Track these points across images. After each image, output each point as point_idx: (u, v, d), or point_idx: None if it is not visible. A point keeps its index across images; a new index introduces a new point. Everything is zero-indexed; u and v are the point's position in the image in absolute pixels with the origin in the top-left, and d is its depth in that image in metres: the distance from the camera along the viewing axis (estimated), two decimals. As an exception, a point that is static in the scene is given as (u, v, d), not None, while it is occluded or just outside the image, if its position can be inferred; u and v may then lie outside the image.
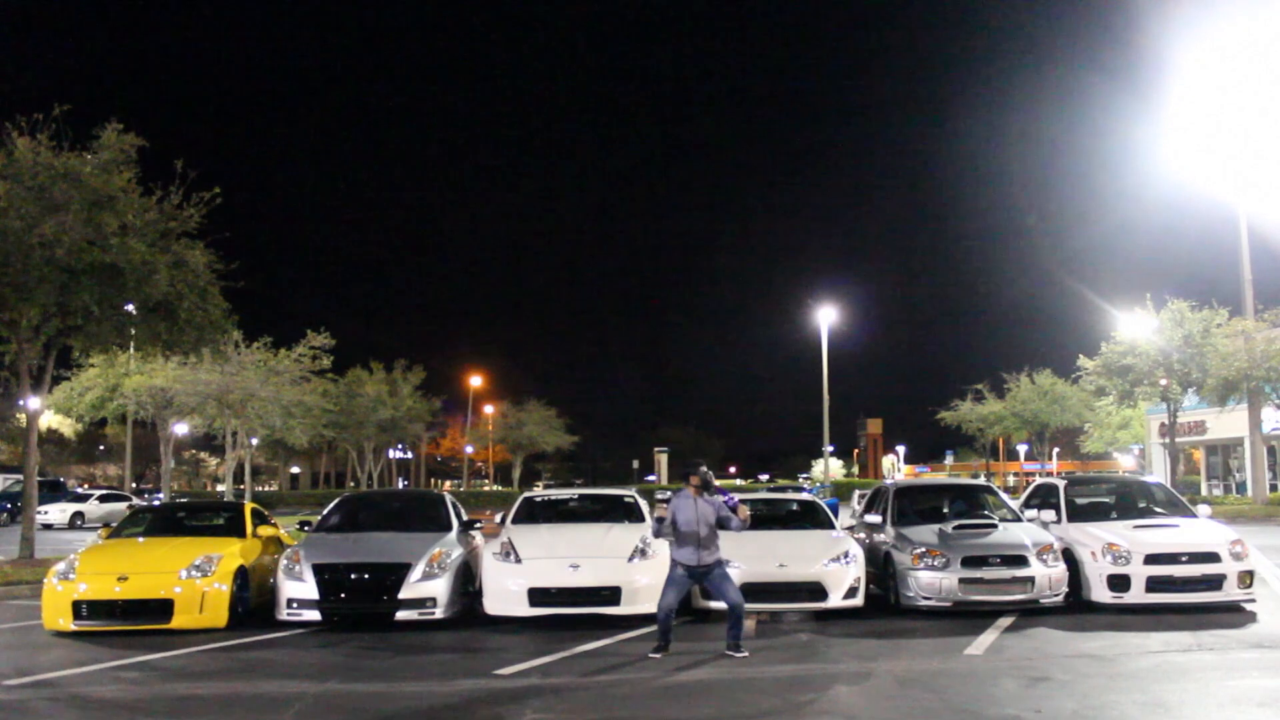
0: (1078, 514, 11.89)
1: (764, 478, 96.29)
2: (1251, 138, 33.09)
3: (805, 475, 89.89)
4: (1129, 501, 12.59)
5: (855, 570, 10.43)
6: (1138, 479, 16.24)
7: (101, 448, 77.16)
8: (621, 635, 9.33)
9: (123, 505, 34.79)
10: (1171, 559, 10.48)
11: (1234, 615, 10.14)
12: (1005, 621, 9.83)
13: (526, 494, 13.05)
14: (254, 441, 42.82)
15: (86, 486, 56.78)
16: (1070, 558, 10.82)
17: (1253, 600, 10.53)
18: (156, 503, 24.53)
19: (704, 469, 8.81)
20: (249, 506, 12.42)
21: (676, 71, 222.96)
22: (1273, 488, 37.53)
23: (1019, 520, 11.66)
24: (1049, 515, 11.73)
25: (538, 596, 9.85)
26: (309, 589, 9.95)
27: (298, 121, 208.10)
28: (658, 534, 8.98)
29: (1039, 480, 14.19)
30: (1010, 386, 51.36)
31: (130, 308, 16.66)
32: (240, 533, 11.45)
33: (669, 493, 9.08)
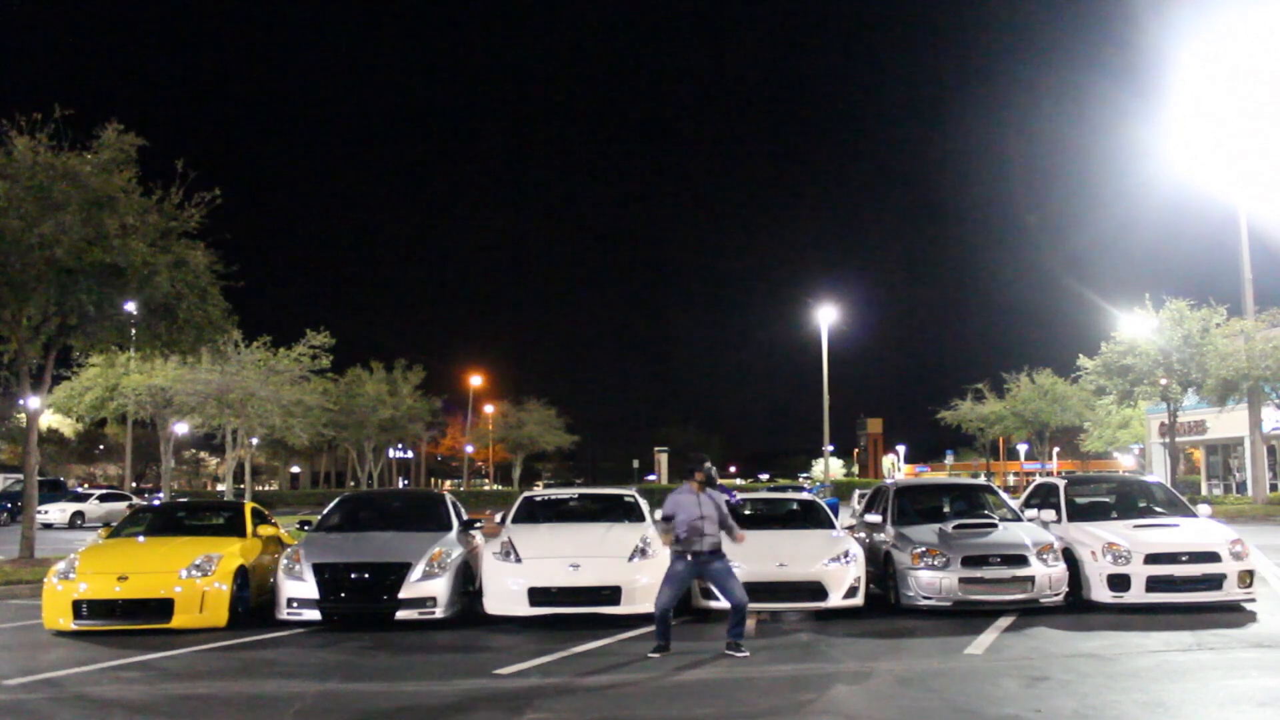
0: (1078, 513, 11.88)
1: (764, 477, 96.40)
2: (1252, 137, 33.07)
3: (805, 475, 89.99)
4: (1129, 501, 12.58)
5: (855, 570, 10.43)
6: (1138, 479, 16.24)
7: (101, 447, 77.14)
8: (621, 635, 9.32)
9: (123, 505, 34.80)
10: (1172, 558, 10.47)
11: (1234, 615, 10.14)
12: (1005, 621, 9.83)
13: (526, 493, 13.04)
14: (254, 441, 42.81)
15: (86, 486, 56.81)
16: (1070, 557, 10.82)
17: (1253, 600, 10.53)
18: (156, 502, 24.53)
19: (707, 464, 8.79)
20: (249, 506, 12.42)
21: (677, 71, 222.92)
22: (1273, 487, 37.52)
23: (1019, 520, 11.66)
24: (1049, 515, 11.73)
25: (538, 596, 9.84)
26: (309, 588, 9.95)
27: (297, 122, 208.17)
28: (663, 532, 8.97)
29: (1039, 480, 14.19)
30: (1010, 386, 51.40)
31: (130, 308, 16.66)
32: (240, 532, 11.44)
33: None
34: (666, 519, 8.66)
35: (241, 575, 10.46)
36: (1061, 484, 12.54)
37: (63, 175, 15.02)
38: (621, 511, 12.02)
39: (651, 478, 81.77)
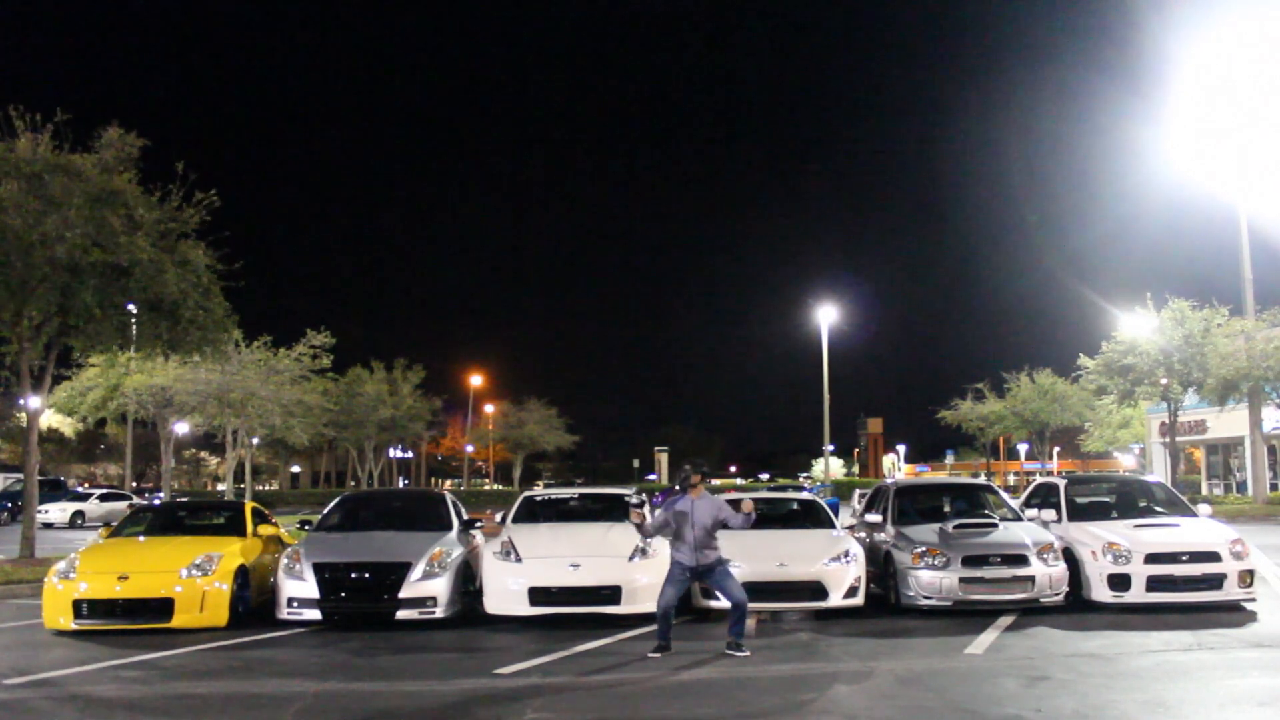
0: (1078, 513, 11.89)
1: (764, 477, 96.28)
2: (1252, 137, 33.07)
3: (805, 475, 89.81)
4: (1129, 501, 12.59)
5: (856, 569, 10.43)
6: (1138, 478, 16.22)
7: (102, 447, 77.07)
8: (622, 635, 9.32)
9: (123, 504, 34.79)
10: (1172, 558, 10.47)
11: (1234, 614, 10.14)
12: (1005, 621, 9.83)
13: (527, 493, 13.04)
14: (254, 441, 42.80)
15: (87, 486, 56.77)
16: (1071, 557, 10.82)
17: (1253, 599, 10.53)
18: (157, 502, 24.52)
19: (686, 468, 8.81)
20: (249, 506, 12.42)
21: (676, 71, 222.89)
22: (1273, 487, 37.49)
23: (1019, 519, 11.66)
24: (1049, 514, 11.73)
25: (538, 596, 9.85)
26: (309, 588, 9.95)
27: (297, 122, 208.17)
28: (645, 532, 9.04)
29: (1039, 479, 14.19)
30: (1010, 386, 51.34)
31: (131, 307, 16.65)
32: (241, 532, 11.45)
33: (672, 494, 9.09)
34: (660, 524, 8.77)
35: (242, 575, 10.46)
36: (1062, 484, 12.54)
37: (62, 169, 15.01)
38: (621, 511, 11.98)
39: (651, 478, 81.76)
